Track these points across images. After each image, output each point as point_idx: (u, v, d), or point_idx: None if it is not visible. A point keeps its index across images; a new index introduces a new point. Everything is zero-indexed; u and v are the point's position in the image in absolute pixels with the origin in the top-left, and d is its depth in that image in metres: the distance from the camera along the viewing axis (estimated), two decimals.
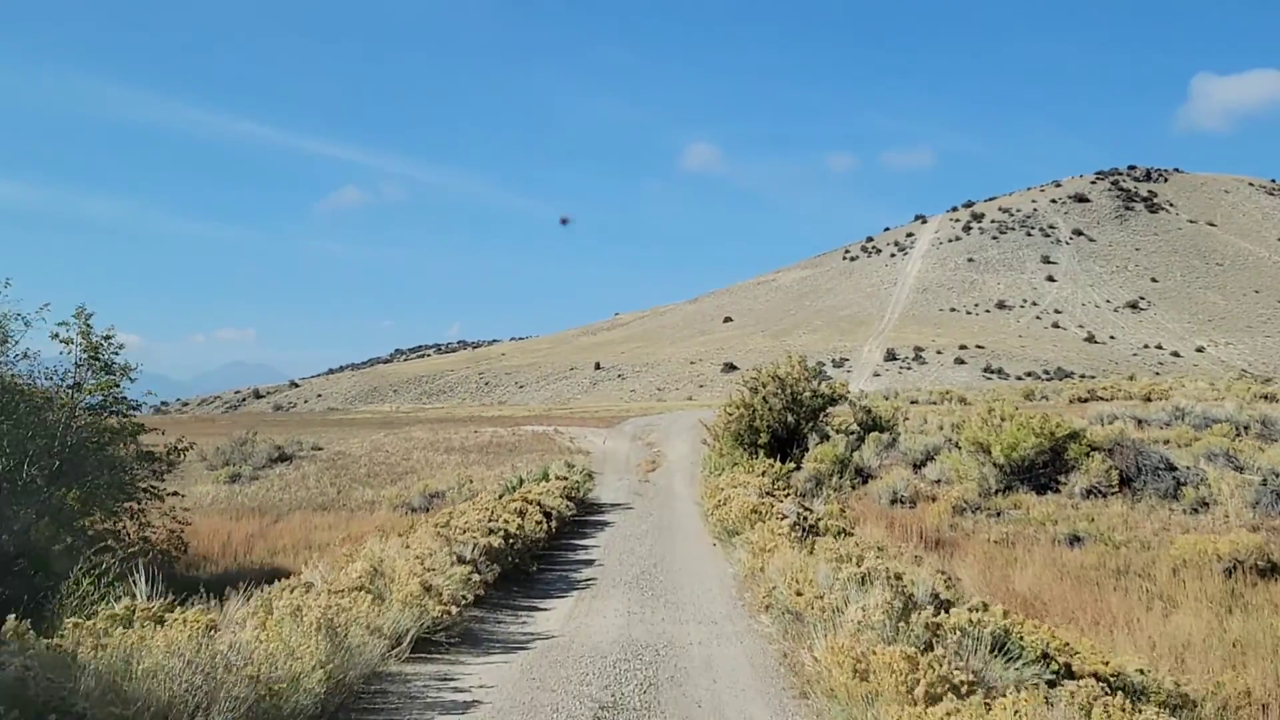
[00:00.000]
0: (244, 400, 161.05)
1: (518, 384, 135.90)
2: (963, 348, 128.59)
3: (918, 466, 23.39)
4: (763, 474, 20.49)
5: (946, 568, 15.69)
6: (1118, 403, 35.09)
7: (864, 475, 23.29)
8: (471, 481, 25.91)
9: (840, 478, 22.35)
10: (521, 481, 21.69)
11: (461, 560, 10.15)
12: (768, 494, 17.52)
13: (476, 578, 9.60)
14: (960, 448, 23.68)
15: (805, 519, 14.89)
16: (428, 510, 24.55)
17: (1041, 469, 21.43)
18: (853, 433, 25.66)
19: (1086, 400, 47.42)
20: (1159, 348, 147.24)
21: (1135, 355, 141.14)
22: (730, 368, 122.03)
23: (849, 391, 27.13)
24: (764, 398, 25.00)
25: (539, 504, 15.67)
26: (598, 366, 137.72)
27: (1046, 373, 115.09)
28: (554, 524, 15.87)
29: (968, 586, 14.22)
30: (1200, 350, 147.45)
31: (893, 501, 21.27)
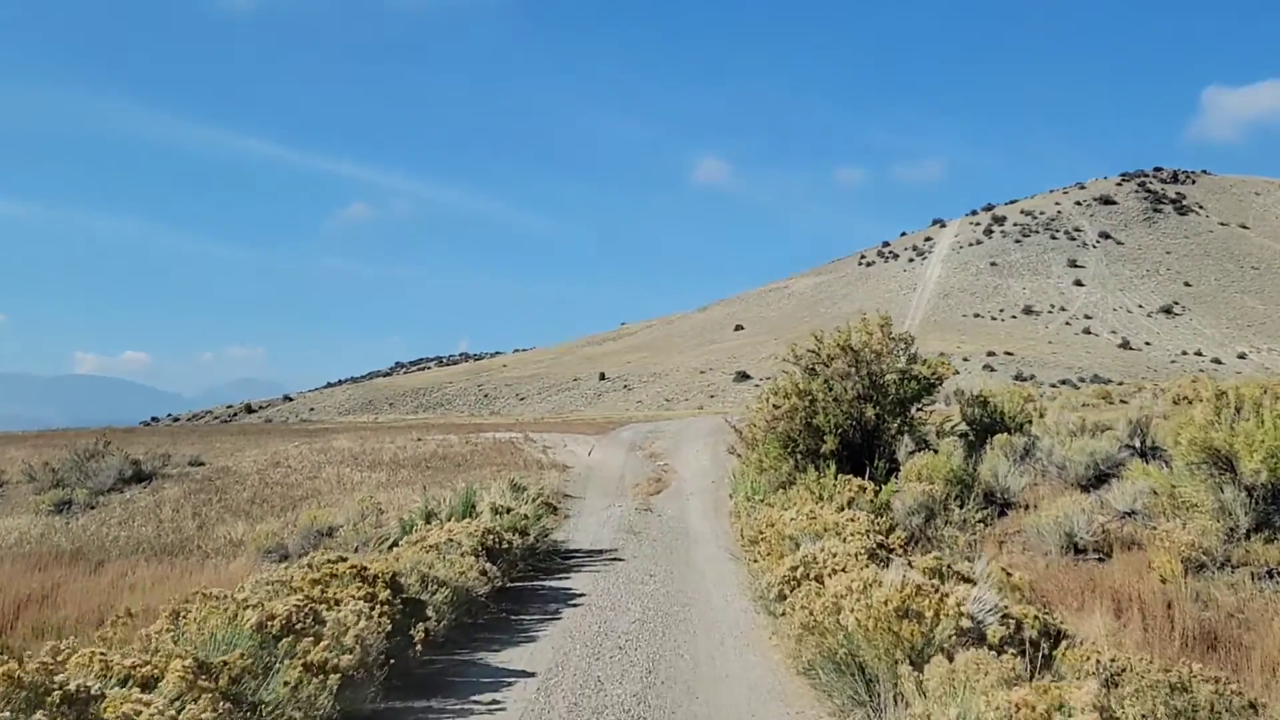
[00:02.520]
0: (235, 415, 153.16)
1: (518, 396, 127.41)
2: (990, 354, 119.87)
3: (1086, 488, 14.45)
4: (849, 503, 11.62)
5: None
6: None
7: (999, 503, 14.35)
8: (381, 511, 17.05)
9: (964, 507, 13.42)
10: (430, 516, 12.79)
11: None
12: (884, 549, 8.64)
13: None
14: (1154, 459, 14.79)
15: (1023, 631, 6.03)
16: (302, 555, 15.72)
17: None
18: (962, 435, 16.76)
19: (1192, 401, 38.46)
20: (1199, 354, 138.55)
21: (1174, 362, 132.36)
22: (743, 377, 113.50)
23: (956, 372, 18.19)
24: (828, 381, 16.09)
25: (392, 591, 6.79)
26: (602, 377, 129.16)
27: (1081, 379, 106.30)
28: (425, 630, 6.96)
29: None
30: (1242, 357, 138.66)
31: (1067, 549, 12.35)
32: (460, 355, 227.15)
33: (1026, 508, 14.17)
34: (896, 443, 16.09)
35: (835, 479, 13.84)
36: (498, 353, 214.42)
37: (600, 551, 13.72)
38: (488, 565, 9.30)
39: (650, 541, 14.51)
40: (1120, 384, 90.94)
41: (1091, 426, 16.71)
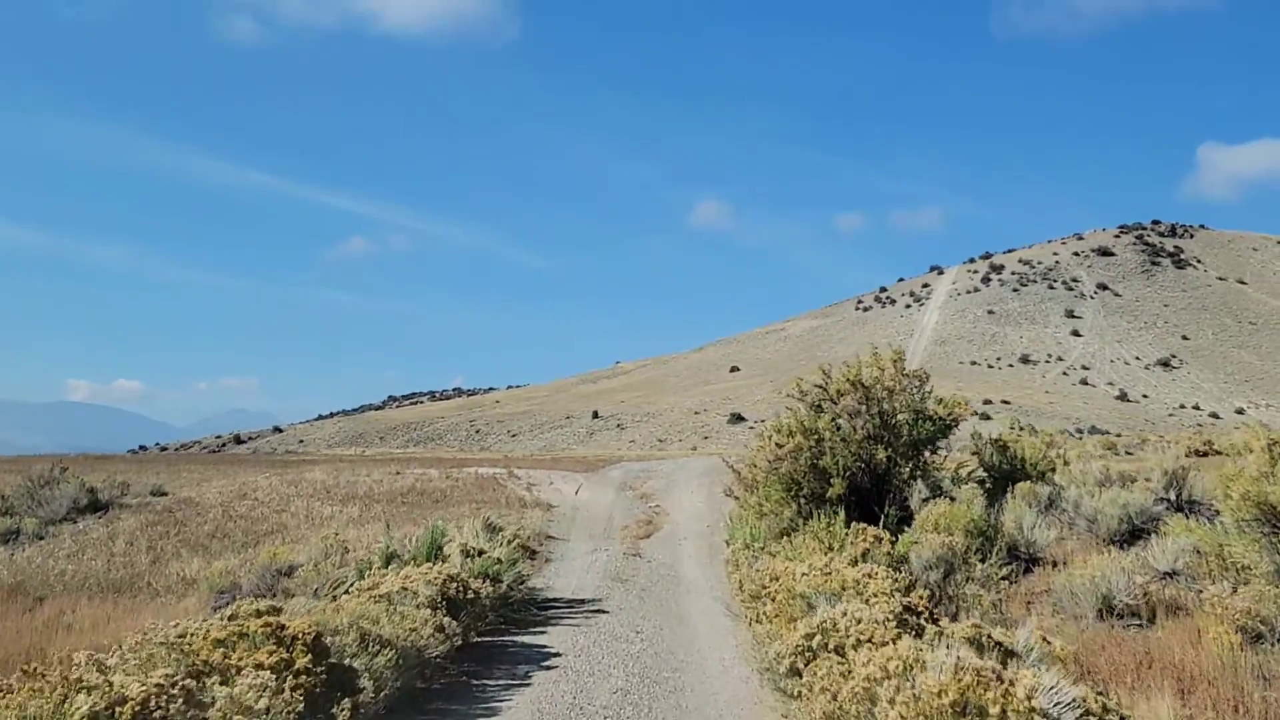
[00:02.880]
0: (224, 445, 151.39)
1: (510, 432, 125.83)
2: (987, 402, 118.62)
3: (1120, 544, 13.12)
4: (864, 556, 10.30)
5: None
6: None
7: (1024, 558, 13.02)
8: (347, 550, 15.65)
9: (986, 562, 12.09)
10: (390, 558, 11.42)
11: None
12: (912, 612, 7.32)
13: None
14: (1192, 513, 13.51)
15: None
16: (261, 597, 14.35)
17: None
18: (979, 482, 15.43)
19: (1205, 454, 37.25)
20: (1196, 408, 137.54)
21: (1172, 415, 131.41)
22: (737, 418, 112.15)
23: (974, 413, 16.91)
24: (835, 419, 14.79)
25: (314, 656, 5.47)
26: (596, 415, 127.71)
27: (1079, 430, 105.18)
28: (353, 706, 5.61)
29: None
30: (1240, 412, 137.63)
31: (1104, 613, 11.01)
32: (454, 390, 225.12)
33: (1054, 564, 12.83)
34: (909, 488, 14.76)
35: (841, 528, 12.51)
36: (491, 389, 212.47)
37: (582, 601, 12.35)
38: (447, 620, 7.94)
39: (638, 591, 13.13)
40: (1119, 435, 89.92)
41: (1118, 476, 15.40)
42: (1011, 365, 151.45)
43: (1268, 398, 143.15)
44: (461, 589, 8.93)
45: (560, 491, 24.01)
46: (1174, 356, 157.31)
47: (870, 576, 8.79)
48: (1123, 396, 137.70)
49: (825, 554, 10.84)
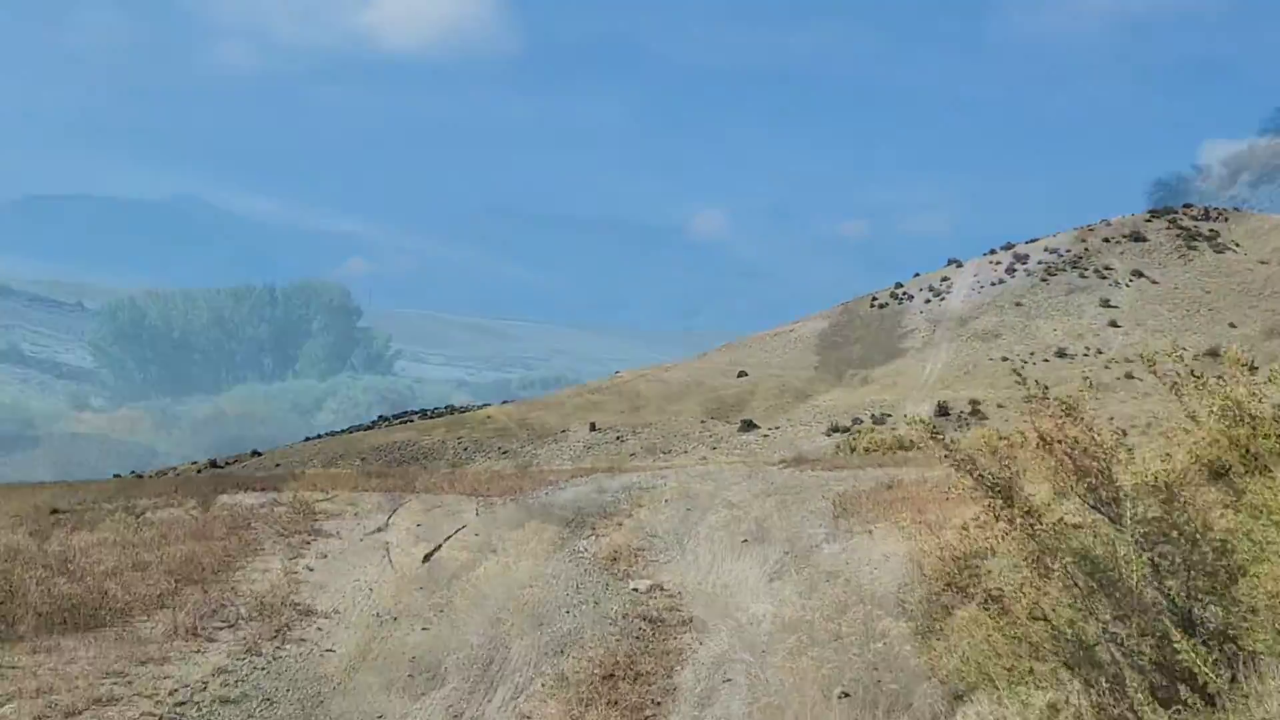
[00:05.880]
0: (199, 471, 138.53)
1: (500, 450, 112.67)
2: (1028, 402, 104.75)
3: None
4: None
5: None
6: None
7: None
8: None
9: None
10: None
11: None
12: None
13: None
14: None
15: None
16: None
17: None
18: None
19: None
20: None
21: None
22: (749, 425, 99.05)
23: None
24: None
25: None
26: (593, 428, 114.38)
27: (1134, 426, 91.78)
28: None
29: None
30: None
31: None
32: (445, 409, 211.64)
33: None
34: None
35: None
36: (485, 404, 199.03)
37: None
38: None
39: None
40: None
41: None
42: (1047, 360, 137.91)
43: None
44: None
45: (389, 550, 9.99)
46: (1223, 346, 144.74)
47: None
48: (1175, 390, 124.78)
49: None
